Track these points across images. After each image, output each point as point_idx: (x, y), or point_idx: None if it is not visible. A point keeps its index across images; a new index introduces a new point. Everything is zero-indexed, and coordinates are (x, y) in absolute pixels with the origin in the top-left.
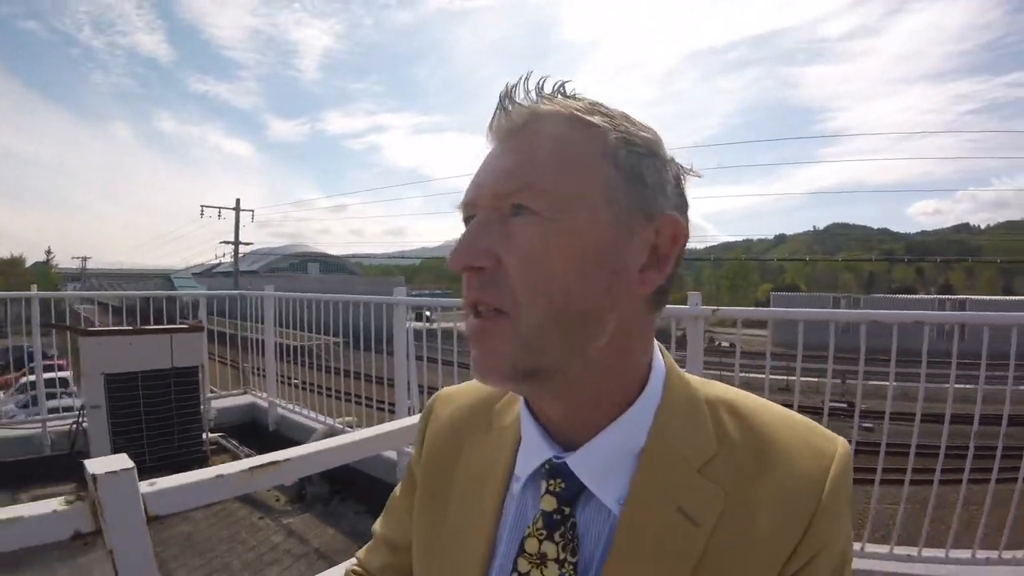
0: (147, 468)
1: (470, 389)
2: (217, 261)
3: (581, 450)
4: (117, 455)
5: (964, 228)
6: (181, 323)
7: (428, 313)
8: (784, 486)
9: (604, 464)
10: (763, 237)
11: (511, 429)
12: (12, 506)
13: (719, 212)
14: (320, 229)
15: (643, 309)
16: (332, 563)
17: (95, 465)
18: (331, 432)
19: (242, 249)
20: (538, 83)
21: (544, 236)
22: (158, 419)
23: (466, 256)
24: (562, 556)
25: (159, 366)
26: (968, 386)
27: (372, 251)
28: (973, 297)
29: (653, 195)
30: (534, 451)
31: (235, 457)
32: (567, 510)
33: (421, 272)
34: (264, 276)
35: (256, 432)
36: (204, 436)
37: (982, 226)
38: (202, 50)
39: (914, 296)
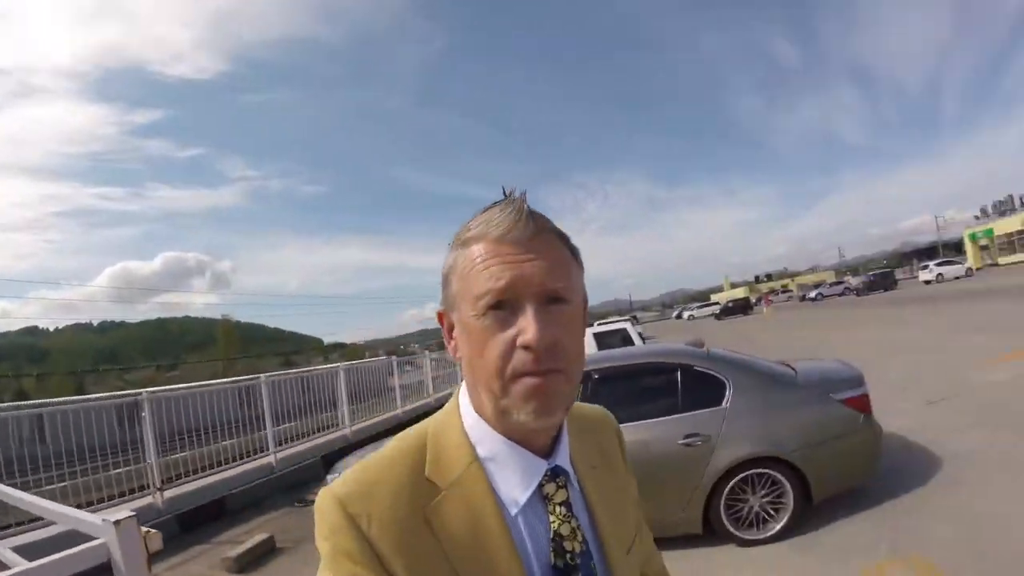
0: None
1: (372, 473)
2: None
3: (559, 452)
4: None
5: (34, 331)
6: None
7: None
8: (602, 426)
9: (566, 453)
10: None
11: (470, 477)
12: None
13: None
14: None
15: None
16: None
17: None
18: None
19: None
20: (524, 195)
21: (573, 319)
22: None
23: (556, 336)
24: (575, 523)
25: None
26: None
27: None
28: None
29: None
30: (526, 474)
31: None
32: (568, 493)
33: None
34: None
35: None
36: None
37: (51, 328)
38: None
39: None
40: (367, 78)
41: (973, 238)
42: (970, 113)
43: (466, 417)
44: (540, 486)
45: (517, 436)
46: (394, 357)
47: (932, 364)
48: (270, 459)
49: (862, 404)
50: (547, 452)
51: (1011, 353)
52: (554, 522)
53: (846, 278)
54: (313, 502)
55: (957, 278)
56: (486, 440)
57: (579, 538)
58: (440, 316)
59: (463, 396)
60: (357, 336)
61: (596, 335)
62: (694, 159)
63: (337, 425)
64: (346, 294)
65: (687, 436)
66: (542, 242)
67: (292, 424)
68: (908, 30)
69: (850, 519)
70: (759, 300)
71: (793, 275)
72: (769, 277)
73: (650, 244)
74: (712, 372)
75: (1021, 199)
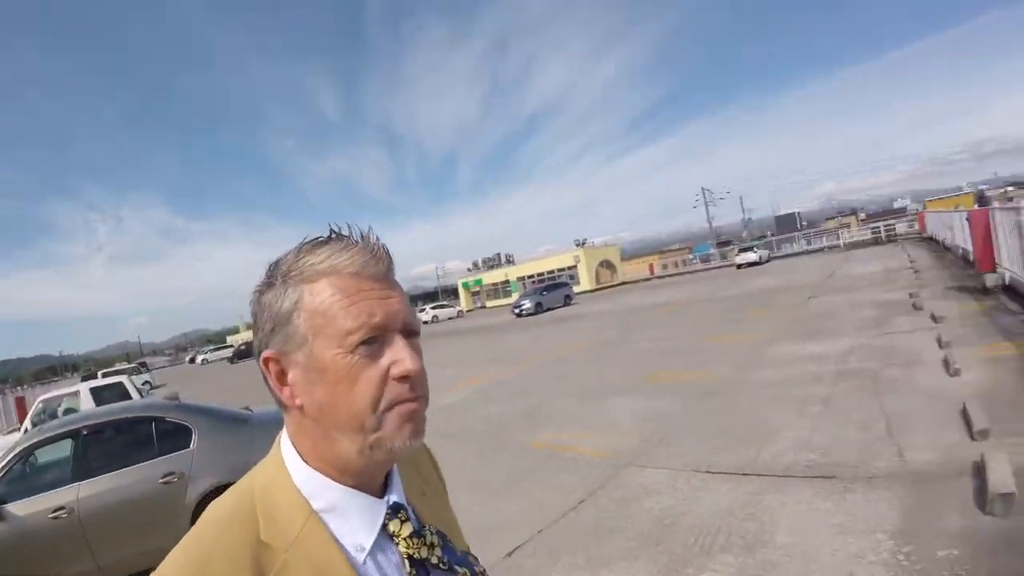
0: None
1: (205, 547)
2: None
3: (393, 488)
4: None
5: None
6: None
7: None
8: (417, 452)
9: (400, 487)
10: None
11: (310, 533)
12: None
13: None
14: None
15: None
16: None
17: None
18: None
19: None
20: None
21: (421, 351)
22: None
23: (422, 366)
24: (423, 547)
25: None
26: None
27: None
28: None
29: None
30: (368, 517)
31: None
32: (412, 525)
33: None
34: None
35: None
36: None
37: None
38: None
39: None
40: None
41: (466, 286)
42: (476, 184)
43: (295, 472)
44: (384, 525)
45: (358, 481)
46: None
47: None
48: None
49: None
50: (382, 491)
51: (464, 381)
52: (414, 553)
53: None
54: None
55: (451, 318)
56: (322, 492)
57: (437, 553)
58: (267, 361)
59: (287, 451)
60: None
61: (93, 390)
62: (219, 191)
63: None
64: None
65: (165, 475)
66: (393, 279)
67: None
68: (439, 109)
69: None
70: None
71: None
72: None
73: (166, 279)
74: (180, 421)
75: (506, 257)
